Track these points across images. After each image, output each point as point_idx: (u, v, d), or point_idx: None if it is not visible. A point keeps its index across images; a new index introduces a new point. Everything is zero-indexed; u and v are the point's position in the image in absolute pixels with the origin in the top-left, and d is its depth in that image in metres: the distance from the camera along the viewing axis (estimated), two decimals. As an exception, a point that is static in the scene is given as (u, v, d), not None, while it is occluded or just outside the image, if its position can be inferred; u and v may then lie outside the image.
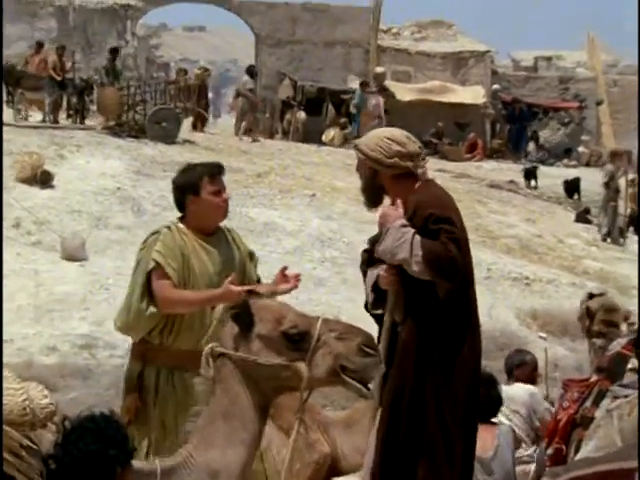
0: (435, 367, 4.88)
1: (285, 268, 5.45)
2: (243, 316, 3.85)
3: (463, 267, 4.89)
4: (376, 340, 4.93)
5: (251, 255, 5.72)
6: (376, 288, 5.11)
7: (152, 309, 5.34)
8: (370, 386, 3.93)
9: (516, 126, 30.74)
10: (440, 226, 4.87)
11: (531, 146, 31.11)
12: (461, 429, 4.93)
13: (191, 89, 24.23)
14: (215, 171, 5.57)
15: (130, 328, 5.50)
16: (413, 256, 4.83)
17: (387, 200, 5.21)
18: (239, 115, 26.34)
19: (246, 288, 5.23)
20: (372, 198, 5.23)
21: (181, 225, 5.54)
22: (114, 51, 25.47)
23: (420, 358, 4.89)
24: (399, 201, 5.04)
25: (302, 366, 3.78)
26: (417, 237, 4.86)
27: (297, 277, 5.43)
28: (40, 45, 25.26)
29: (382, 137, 5.14)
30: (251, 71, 27.10)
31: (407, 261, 4.85)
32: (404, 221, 4.93)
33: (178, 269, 5.35)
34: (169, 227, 5.53)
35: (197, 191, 5.48)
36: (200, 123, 25.78)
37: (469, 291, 4.99)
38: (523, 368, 7.62)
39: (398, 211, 4.98)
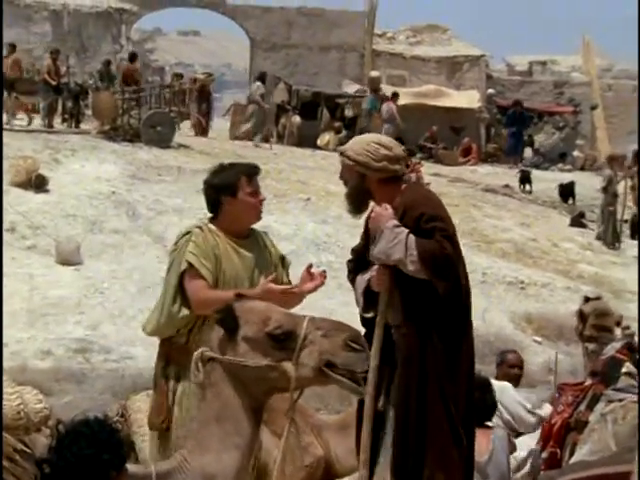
0: (438, 367, 4.89)
1: (310, 266, 5.41)
2: (228, 320, 3.85)
3: (457, 264, 4.90)
4: (369, 343, 4.96)
5: (282, 259, 5.64)
6: (367, 292, 5.11)
7: (184, 311, 5.25)
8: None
9: (513, 130, 30.14)
10: (433, 224, 4.89)
11: (526, 150, 31.04)
12: (464, 429, 4.96)
13: (186, 93, 24.26)
14: (252, 172, 5.48)
15: (160, 331, 5.40)
16: (408, 256, 4.84)
17: (371, 204, 5.22)
18: (253, 121, 26.38)
19: (285, 288, 5.22)
20: (358, 204, 5.23)
21: (212, 226, 5.40)
22: (133, 56, 25.66)
23: (423, 359, 4.89)
24: (385, 204, 5.05)
25: (289, 366, 3.77)
26: (411, 237, 4.87)
27: (323, 274, 5.38)
28: (13, 47, 25.19)
29: (368, 142, 5.16)
30: (262, 77, 27.19)
31: (402, 261, 4.87)
32: (396, 222, 4.95)
33: (212, 270, 5.26)
34: (200, 227, 5.40)
35: (234, 192, 5.36)
36: (200, 128, 25.87)
37: (463, 290, 5.00)
38: (501, 366, 7.76)
39: (389, 211, 4.99)
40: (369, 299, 5.10)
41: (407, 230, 4.90)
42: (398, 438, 4.95)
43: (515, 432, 7.31)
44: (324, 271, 5.47)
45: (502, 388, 7.42)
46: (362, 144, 5.17)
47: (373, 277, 5.03)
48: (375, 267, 5.03)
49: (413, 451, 4.91)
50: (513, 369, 7.77)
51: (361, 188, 5.15)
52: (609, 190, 20.59)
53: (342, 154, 5.22)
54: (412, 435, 4.91)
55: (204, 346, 3.92)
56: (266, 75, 27.76)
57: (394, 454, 4.96)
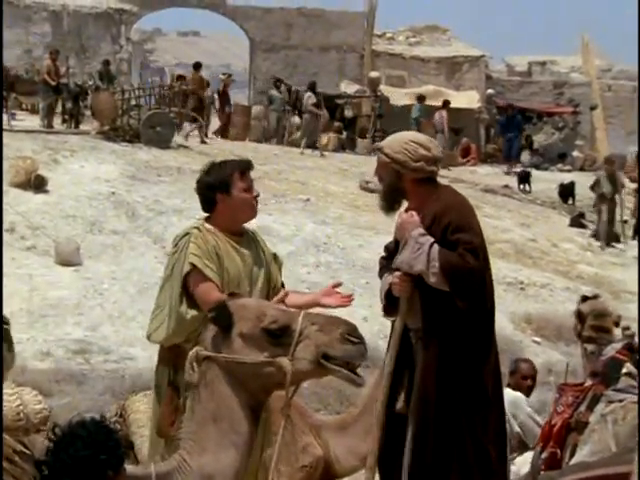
0: (460, 379, 4.85)
1: (339, 284, 5.36)
2: (222, 317, 3.85)
3: (481, 277, 4.85)
4: (387, 347, 4.94)
5: (275, 257, 5.55)
6: (389, 295, 5.06)
7: (192, 312, 5.12)
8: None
9: (510, 135, 29.34)
10: (458, 236, 4.82)
11: (524, 155, 30.60)
12: (493, 435, 4.93)
13: (187, 94, 24.28)
14: (244, 167, 5.35)
15: (172, 338, 5.23)
16: (430, 268, 4.79)
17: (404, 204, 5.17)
18: (303, 130, 26.54)
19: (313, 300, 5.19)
20: (391, 202, 5.14)
21: (209, 225, 5.31)
22: (197, 66, 25.83)
23: (441, 369, 4.86)
24: (411, 211, 5.01)
25: (285, 361, 3.78)
26: (435, 248, 4.82)
27: (347, 297, 5.28)
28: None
29: (407, 140, 5.07)
30: (313, 87, 27.30)
31: (424, 273, 4.82)
32: (422, 230, 4.89)
33: (217, 270, 5.16)
34: (198, 228, 5.29)
35: (228, 189, 5.26)
36: (226, 130, 25.90)
37: (488, 302, 4.95)
38: (514, 376, 7.70)
39: (415, 219, 4.94)
40: (391, 301, 5.07)
41: (432, 240, 4.85)
42: (415, 446, 4.92)
43: (524, 446, 7.28)
44: (350, 295, 5.36)
45: (516, 401, 7.33)
46: (401, 142, 5.08)
47: (394, 284, 4.98)
48: (396, 273, 4.98)
49: (431, 461, 4.87)
50: (526, 380, 7.71)
51: (396, 186, 5.07)
52: (596, 191, 20.78)
53: (379, 150, 5.14)
54: (430, 443, 4.87)
55: (199, 345, 3.92)
56: (316, 85, 27.82)
57: (411, 463, 4.92)
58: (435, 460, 4.85)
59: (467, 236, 4.84)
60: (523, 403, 7.46)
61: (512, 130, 29.33)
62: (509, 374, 7.66)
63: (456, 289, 4.78)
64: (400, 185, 5.07)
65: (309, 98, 26.84)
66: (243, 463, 3.84)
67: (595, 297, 7.67)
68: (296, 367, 3.79)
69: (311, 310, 4.45)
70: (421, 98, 28.63)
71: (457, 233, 4.84)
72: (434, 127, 27.79)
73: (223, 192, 5.28)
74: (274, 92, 27.68)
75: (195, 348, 3.90)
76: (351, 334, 3.81)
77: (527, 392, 7.69)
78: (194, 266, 5.14)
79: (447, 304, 4.82)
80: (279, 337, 3.81)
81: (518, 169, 27.40)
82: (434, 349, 4.87)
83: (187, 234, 5.30)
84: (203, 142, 24.15)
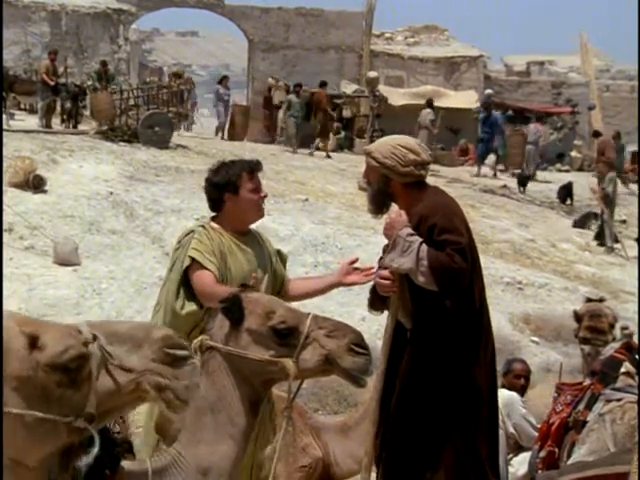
0: (447, 377, 4.83)
1: (355, 260, 5.37)
2: (234, 310, 3.85)
3: (469, 277, 4.84)
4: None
5: (279, 254, 5.58)
6: (375, 290, 5.06)
7: (189, 307, 5.11)
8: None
9: (484, 135, 26.80)
10: (444, 237, 4.82)
11: (491, 158, 27.76)
12: (485, 433, 4.93)
13: (185, 94, 24.30)
14: (254, 167, 5.35)
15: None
16: (419, 267, 4.79)
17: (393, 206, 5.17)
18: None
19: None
20: (380, 205, 5.15)
21: (214, 224, 5.32)
22: (323, 84, 26.34)
23: (428, 368, 4.84)
24: (400, 210, 5.01)
25: (289, 362, 3.79)
26: (423, 247, 4.81)
27: (368, 270, 5.28)
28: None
29: (396, 145, 5.07)
30: (430, 103, 27.13)
31: (413, 271, 4.82)
32: (410, 230, 4.89)
33: (218, 265, 5.14)
34: (203, 226, 5.30)
35: (236, 189, 5.26)
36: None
37: (476, 302, 4.93)
38: (507, 376, 7.70)
39: (403, 218, 4.94)
40: (377, 296, 5.05)
41: (420, 240, 4.84)
42: (392, 444, 4.92)
43: (519, 447, 7.28)
44: (372, 267, 5.31)
45: (510, 400, 7.31)
46: (389, 147, 5.08)
47: (378, 284, 4.98)
48: (380, 271, 4.97)
49: (406, 461, 4.88)
50: (519, 380, 7.70)
51: (384, 191, 5.08)
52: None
53: (368, 155, 5.14)
54: (408, 440, 4.87)
55: (205, 334, 3.93)
56: (433, 101, 27.50)
57: (385, 462, 4.92)
58: (409, 459, 4.85)
59: (454, 237, 4.85)
60: (518, 404, 7.44)
61: (489, 130, 26.99)
62: (502, 374, 7.64)
63: (444, 288, 4.79)
64: (388, 189, 5.08)
65: (427, 115, 26.59)
66: (239, 455, 3.84)
67: (601, 300, 7.65)
68: (299, 369, 3.81)
69: (318, 313, 4.45)
70: (487, 106, 28.12)
71: (443, 234, 4.84)
72: (524, 137, 27.71)
73: (231, 192, 5.28)
74: (293, 97, 27.06)
75: (200, 337, 3.91)
76: (358, 344, 3.82)
77: (521, 392, 7.69)
78: (194, 259, 5.13)
79: (434, 303, 4.82)
80: (286, 337, 3.82)
81: (518, 170, 27.36)
82: (419, 347, 4.87)
83: (191, 232, 5.30)
84: (328, 157, 24.72)
